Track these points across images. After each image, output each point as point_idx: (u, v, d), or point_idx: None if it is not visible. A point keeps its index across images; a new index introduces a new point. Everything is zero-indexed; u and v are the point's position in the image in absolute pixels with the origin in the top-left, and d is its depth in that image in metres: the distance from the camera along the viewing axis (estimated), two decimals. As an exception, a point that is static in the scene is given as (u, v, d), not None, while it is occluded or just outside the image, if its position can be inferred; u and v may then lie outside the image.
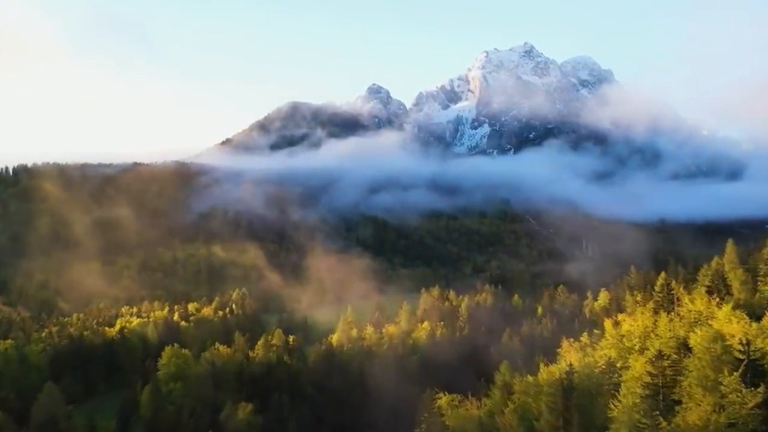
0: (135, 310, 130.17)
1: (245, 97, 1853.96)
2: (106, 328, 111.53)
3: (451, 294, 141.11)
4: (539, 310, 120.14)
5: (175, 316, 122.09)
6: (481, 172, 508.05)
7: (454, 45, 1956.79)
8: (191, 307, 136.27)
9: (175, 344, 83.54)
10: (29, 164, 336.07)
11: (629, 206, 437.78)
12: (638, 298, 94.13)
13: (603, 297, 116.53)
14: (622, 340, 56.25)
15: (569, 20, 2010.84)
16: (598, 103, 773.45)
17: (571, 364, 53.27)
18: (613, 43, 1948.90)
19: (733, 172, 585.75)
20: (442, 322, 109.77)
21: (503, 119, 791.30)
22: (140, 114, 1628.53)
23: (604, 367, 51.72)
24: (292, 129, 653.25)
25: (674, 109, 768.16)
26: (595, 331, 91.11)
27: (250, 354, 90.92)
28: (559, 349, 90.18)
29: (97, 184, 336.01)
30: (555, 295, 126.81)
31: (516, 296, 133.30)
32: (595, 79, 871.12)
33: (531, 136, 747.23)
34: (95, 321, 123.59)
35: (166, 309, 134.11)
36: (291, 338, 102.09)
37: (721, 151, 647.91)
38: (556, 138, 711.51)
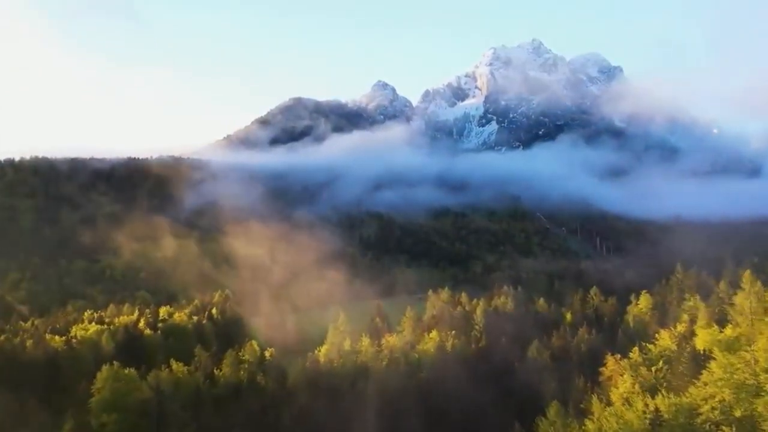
0: (96, 315, 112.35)
1: (249, 95, 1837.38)
2: (56, 337, 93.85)
3: (463, 297, 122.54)
4: (568, 316, 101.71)
5: (141, 323, 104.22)
6: (490, 168, 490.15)
7: (461, 42, 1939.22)
8: (163, 311, 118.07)
9: (115, 362, 66.10)
10: (16, 158, 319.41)
11: (643, 203, 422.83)
12: (705, 306, 76.00)
13: (645, 301, 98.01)
14: (732, 372, 37.60)
15: (578, 17, 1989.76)
16: (609, 99, 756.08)
17: (657, 409, 35.46)
18: (622, 40, 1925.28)
19: (753, 170, 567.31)
20: (453, 331, 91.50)
21: (511, 116, 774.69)
22: (141, 111, 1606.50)
23: (713, 416, 33.87)
24: (293, 121, 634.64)
25: (685, 105, 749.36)
26: (648, 345, 72.66)
27: (216, 373, 73.19)
28: (604, 368, 71.96)
29: (87, 178, 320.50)
30: (587, 299, 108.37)
31: (541, 300, 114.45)
32: (604, 76, 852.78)
33: (540, 133, 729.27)
34: (49, 328, 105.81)
35: (136, 313, 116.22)
36: (269, 351, 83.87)
37: (738, 148, 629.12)
38: (566, 135, 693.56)
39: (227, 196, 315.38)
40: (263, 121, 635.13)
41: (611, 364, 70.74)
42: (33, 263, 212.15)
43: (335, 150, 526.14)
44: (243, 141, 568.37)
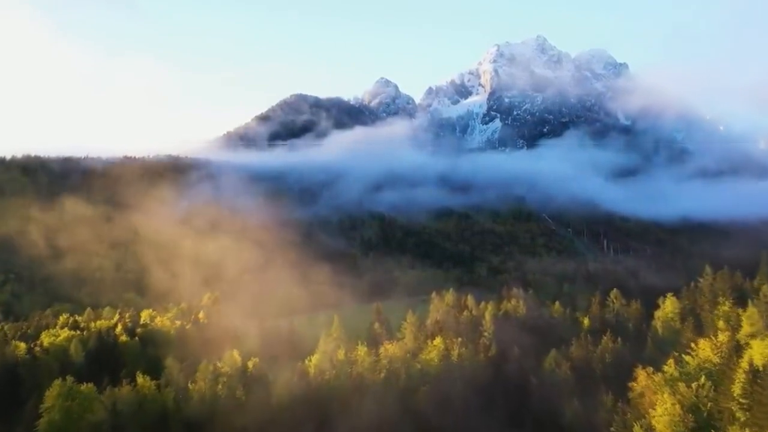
0: (72, 319, 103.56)
1: (249, 93, 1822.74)
2: (22, 345, 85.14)
3: (470, 300, 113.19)
4: (586, 322, 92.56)
5: (119, 328, 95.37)
6: (494, 168, 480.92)
7: (464, 39, 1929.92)
8: (144, 315, 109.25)
9: (69, 377, 57.41)
10: (7, 157, 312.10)
11: (650, 204, 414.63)
12: (759, 311, 66.82)
13: (671, 306, 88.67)
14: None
15: (582, 13, 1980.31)
16: (615, 96, 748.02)
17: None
18: (628, 36, 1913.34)
19: (762, 170, 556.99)
20: (459, 339, 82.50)
21: (515, 113, 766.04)
22: (140, 110, 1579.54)
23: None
24: (294, 116, 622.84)
25: (692, 102, 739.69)
26: (685, 357, 63.50)
27: (190, 387, 64.14)
28: (634, 383, 62.86)
29: (79, 178, 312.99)
30: (606, 303, 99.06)
31: (556, 304, 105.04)
32: (609, 73, 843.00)
33: (545, 130, 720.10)
34: (18, 334, 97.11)
35: (116, 317, 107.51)
36: (252, 361, 74.46)
37: (747, 148, 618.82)
38: (571, 132, 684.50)
39: (224, 197, 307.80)
40: (263, 117, 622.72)
41: (642, 378, 61.81)
42: (19, 265, 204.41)
43: (336, 147, 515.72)
44: (242, 138, 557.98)
